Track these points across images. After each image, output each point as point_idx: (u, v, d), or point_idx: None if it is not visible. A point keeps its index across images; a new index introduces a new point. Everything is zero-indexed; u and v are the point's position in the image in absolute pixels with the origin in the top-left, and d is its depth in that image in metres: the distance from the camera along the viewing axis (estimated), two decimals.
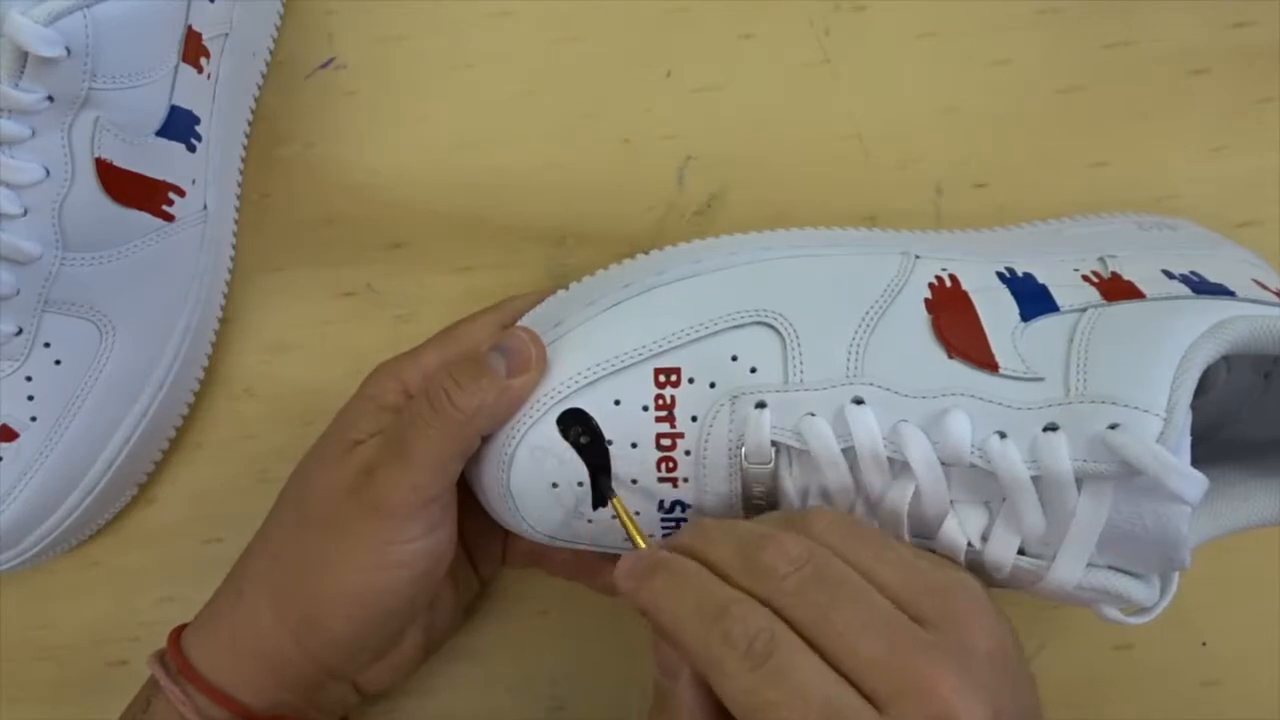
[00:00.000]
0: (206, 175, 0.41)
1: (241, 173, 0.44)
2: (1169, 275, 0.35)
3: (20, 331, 0.39)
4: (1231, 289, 0.34)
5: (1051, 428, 0.31)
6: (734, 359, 0.34)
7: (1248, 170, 0.44)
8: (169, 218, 0.40)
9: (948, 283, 0.35)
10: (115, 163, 0.37)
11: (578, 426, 0.35)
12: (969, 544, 0.32)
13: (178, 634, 0.37)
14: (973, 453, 0.32)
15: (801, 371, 0.34)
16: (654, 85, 0.45)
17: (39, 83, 0.35)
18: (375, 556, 0.34)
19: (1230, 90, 0.45)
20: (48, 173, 0.36)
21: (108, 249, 0.38)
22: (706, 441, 0.34)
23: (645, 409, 0.35)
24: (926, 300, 0.34)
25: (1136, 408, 0.30)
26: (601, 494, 0.35)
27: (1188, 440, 0.30)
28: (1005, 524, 0.32)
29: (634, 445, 0.35)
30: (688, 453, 0.35)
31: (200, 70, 0.39)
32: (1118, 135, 0.45)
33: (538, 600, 0.44)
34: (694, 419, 0.34)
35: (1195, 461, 0.31)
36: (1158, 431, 0.30)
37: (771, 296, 0.35)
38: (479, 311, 0.39)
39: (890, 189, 0.45)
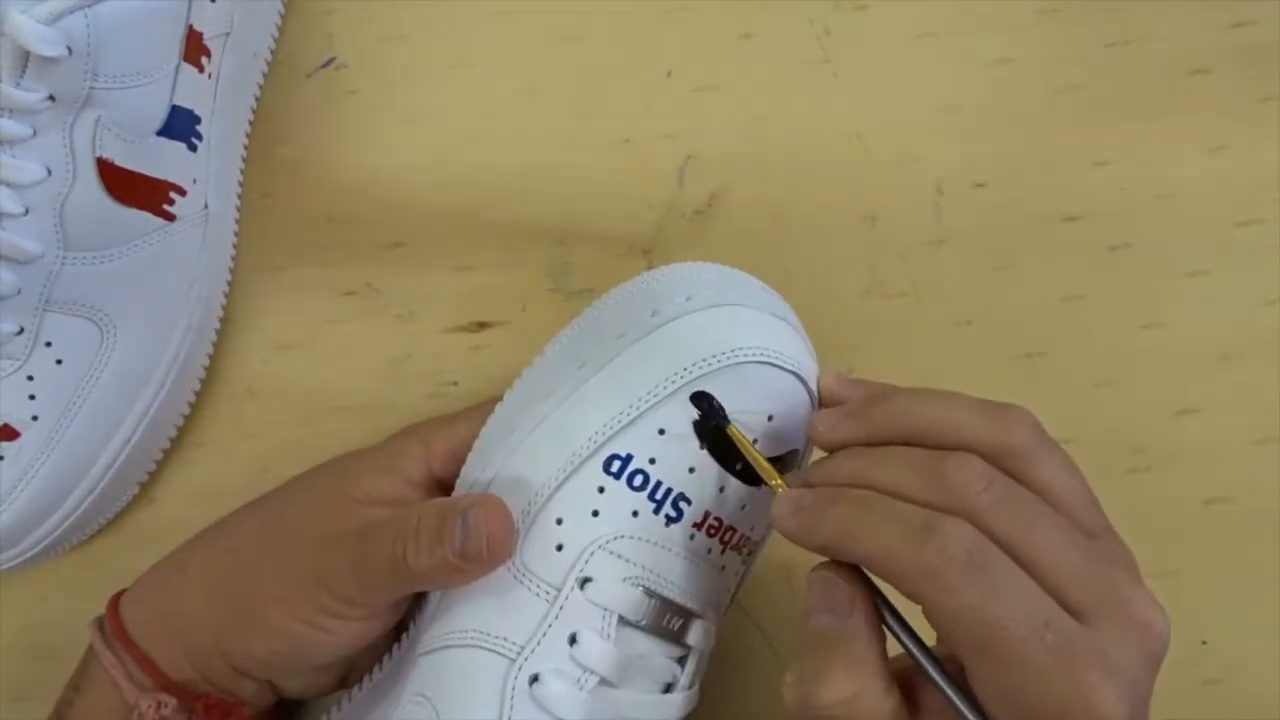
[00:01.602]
0: (207, 175, 0.41)
1: (242, 172, 0.44)
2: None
3: (21, 331, 0.39)
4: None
5: None
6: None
7: (1248, 170, 0.44)
8: (170, 217, 0.40)
9: None
10: (116, 162, 0.37)
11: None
12: None
13: (118, 597, 0.37)
14: None
15: None
16: (654, 85, 0.45)
17: (40, 82, 0.35)
18: (309, 615, 0.34)
19: (1230, 90, 0.45)
20: (49, 172, 0.36)
21: (109, 248, 0.38)
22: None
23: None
24: None
25: None
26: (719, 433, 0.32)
27: None
28: None
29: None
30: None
31: (201, 70, 0.39)
32: (1118, 135, 0.45)
33: None
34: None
35: None
36: None
37: None
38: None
39: (890, 188, 0.45)
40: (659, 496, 0.32)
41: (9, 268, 0.37)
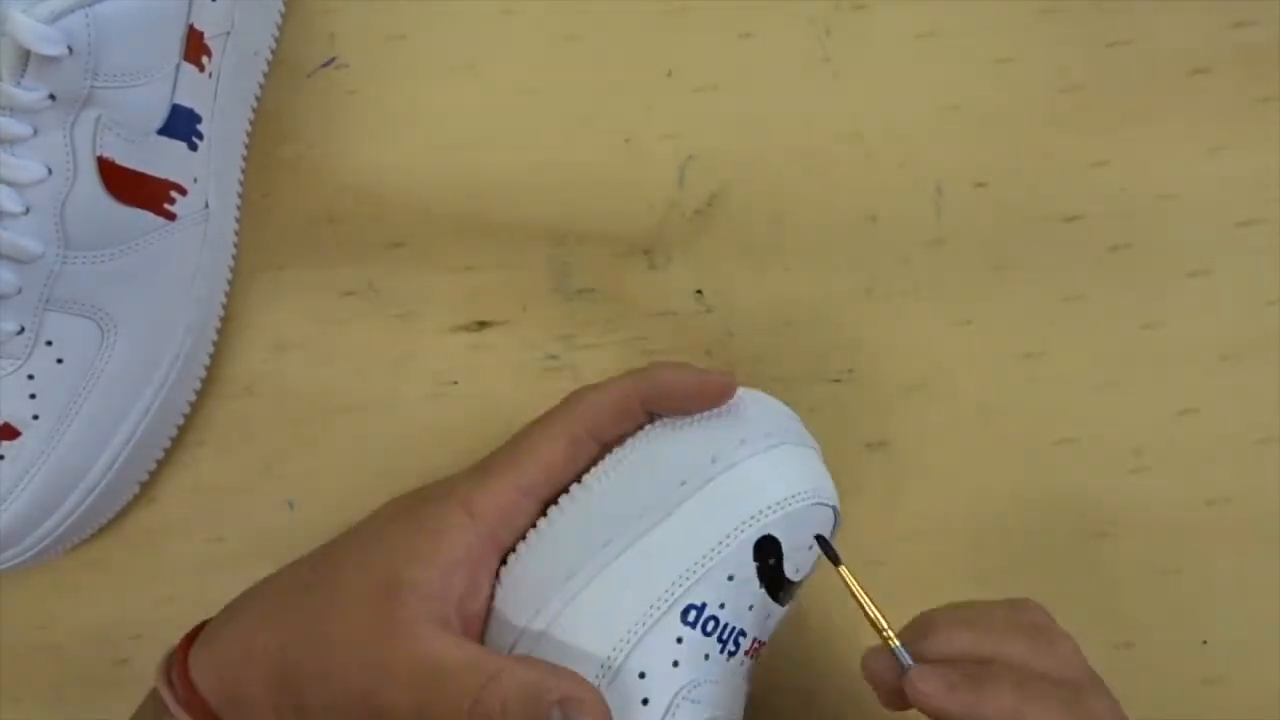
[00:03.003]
0: (208, 174, 0.41)
1: (243, 171, 0.44)
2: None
3: (22, 330, 0.39)
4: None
5: None
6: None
7: (1248, 169, 0.45)
8: (171, 216, 0.40)
9: None
10: (117, 161, 0.37)
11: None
12: None
13: (186, 649, 0.35)
14: None
15: None
16: (654, 85, 0.45)
17: (41, 81, 0.35)
18: None
19: (1230, 90, 0.45)
20: (50, 171, 0.36)
21: (110, 247, 0.39)
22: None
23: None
24: None
25: None
26: (834, 556, 0.34)
27: None
28: None
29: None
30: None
31: (202, 69, 0.39)
32: (1118, 135, 0.45)
33: None
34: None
35: None
36: None
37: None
38: (545, 416, 0.35)
39: (891, 188, 0.45)
40: (725, 636, 0.33)
41: (10, 267, 0.37)
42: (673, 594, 0.33)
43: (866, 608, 0.33)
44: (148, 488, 0.44)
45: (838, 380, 0.44)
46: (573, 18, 0.45)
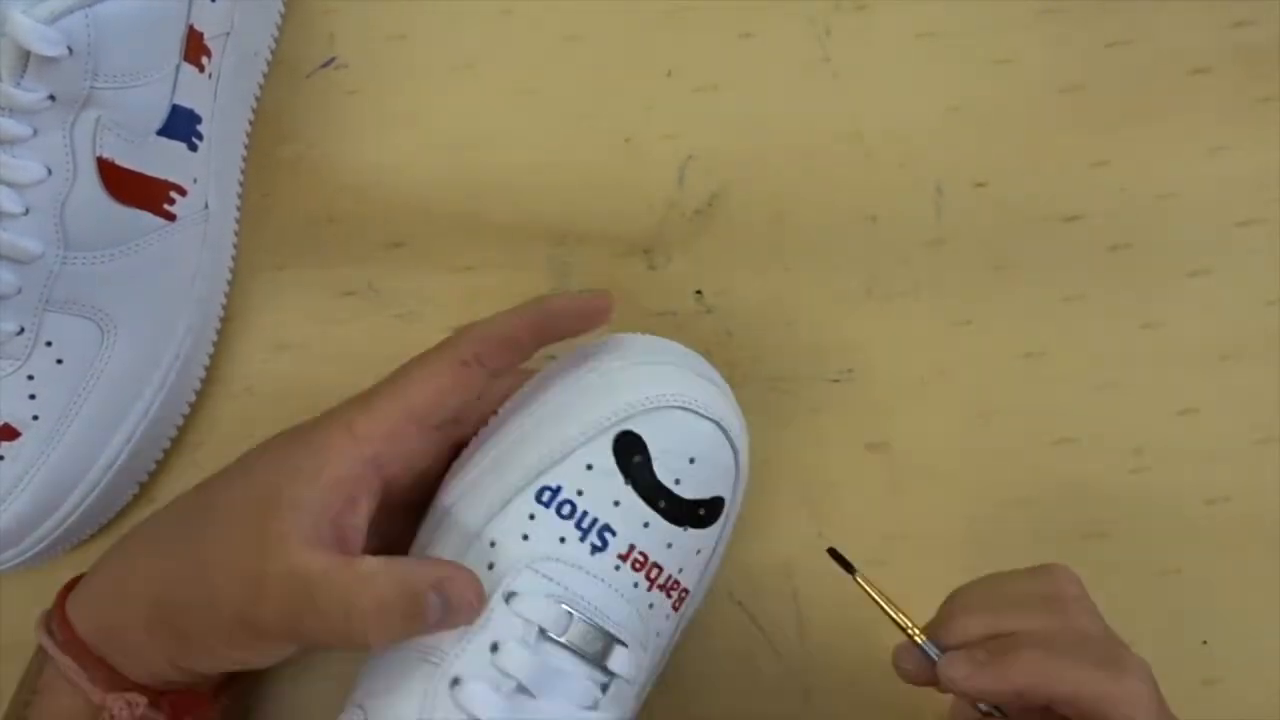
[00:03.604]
0: (208, 174, 0.41)
1: (243, 172, 0.44)
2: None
3: (22, 330, 0.39)
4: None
5: None
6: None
7: (1248, 169, 0.45)
8: (170, 217, 0.40)
9: None
10: (117, 162, 0.37)
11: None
12: None
13: (65, 597, 0.36)
14: None
15: None
16: (654, 85, 0.45)
17: (41, 82, 0.35)
18: (246, 647, 0.34)
19: (1230, 90, 0.45)
20: (49, 172, 0.36)
21: (109, 248, 0.39)
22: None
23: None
24: None
25: None
26: (848, 566, 0.35)
27: None
28: None
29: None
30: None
31: (202, 69, 0.39)
32: (1118, 135, 0.45)
33: None
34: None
35: None
36: None
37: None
38: (433, 347, 0.36)
39: (891, 188, 0.45)
40: (585, 525, 0.35)
41: (9, 267, 0.37)
42: (529, 475, 0.35)
43: (890, 611, 0.34)
44: (147, 488, 0.44)
45: (838, 380, 0.44)
46: (573, 18, 0.46)
